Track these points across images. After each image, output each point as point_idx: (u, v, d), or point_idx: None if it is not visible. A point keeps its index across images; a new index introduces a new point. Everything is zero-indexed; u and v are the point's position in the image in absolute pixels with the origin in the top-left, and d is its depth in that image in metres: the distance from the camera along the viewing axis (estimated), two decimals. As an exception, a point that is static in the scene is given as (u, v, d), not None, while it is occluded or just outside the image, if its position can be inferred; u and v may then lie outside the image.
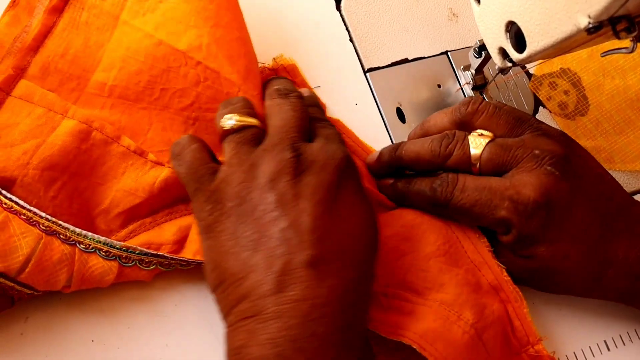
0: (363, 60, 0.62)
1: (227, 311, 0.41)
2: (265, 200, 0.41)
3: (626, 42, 0.43)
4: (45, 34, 0.50)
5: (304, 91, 0.54)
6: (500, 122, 0.51)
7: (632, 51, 0.44)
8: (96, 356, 0.48)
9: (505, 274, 0.51)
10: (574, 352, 0.54)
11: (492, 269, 0.51)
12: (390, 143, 0.59)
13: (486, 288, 0.51)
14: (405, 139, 0.59)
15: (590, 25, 0.39)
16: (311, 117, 0.49)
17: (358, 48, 0.62)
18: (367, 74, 0.61)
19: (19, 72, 0.49)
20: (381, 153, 0.55)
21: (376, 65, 0.62)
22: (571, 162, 0.49)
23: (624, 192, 0.52)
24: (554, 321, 0.54)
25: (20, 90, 0.49)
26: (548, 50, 0.44)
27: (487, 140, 0.50)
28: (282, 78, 0.54)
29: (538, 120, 0.52)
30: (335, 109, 0.58)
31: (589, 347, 0.54)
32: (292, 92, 0.49)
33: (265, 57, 0.58)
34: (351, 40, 0.62)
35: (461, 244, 0.52)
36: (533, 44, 0.45)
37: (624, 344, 0.55)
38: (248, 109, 0.47)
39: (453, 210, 0.50)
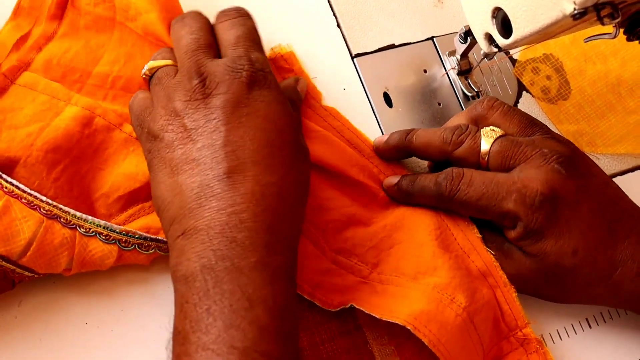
0: (350, 46, 0.62)
1: (166, 235, 0.44)
2: (183, 128, 0.44)
3: (609, 28, 0.44)
4: (47, 39, 0.52)
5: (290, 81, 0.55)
6: (514, 121, 0.53)
7: (614, 37, 0.45)
8: (90, 338, 0.48)
9: (494, 259, 0.52)
10: (557, 330, 0.55)
11: (482, 255, 0.52)
12: (378, 127, 0.60)
13: (475, 274, 0.51)
14: (393, 123, 0.60)
15: (576, 12, 0.40)
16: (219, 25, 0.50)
17: (345, 34, 0.62)
18: (355, 60, 0.62)
19: (23, 65, 0.51)
20: (391, 136, 0.55)
21: (363, 51, 0.62)
22: (577, 164, 0.51)
23: (628, 198, 0.53)
24: (535, 299, 0.55)
25: (24, 79, 0.50)
26: (534, 36, 0.45)
27: (498, 134, 0.51)
28: None
29: (548, 127, 0.54)
30: (324, 94, 0.59)
31: (572, 324, 0.56)
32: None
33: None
34: (338, 26, 0.63)
35: (451, 232, 0.53)
36: (519, 30, 0.46)
37: (604, 321, 0.56)
38: (163, 54, 0.50)
39: (459, 203, 0.51)
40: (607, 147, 0.63)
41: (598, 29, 0.46)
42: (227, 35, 0.48)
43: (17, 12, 0.53)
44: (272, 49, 0.58)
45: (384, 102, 0.61)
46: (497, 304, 0.51)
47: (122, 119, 0.51)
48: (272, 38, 0.59)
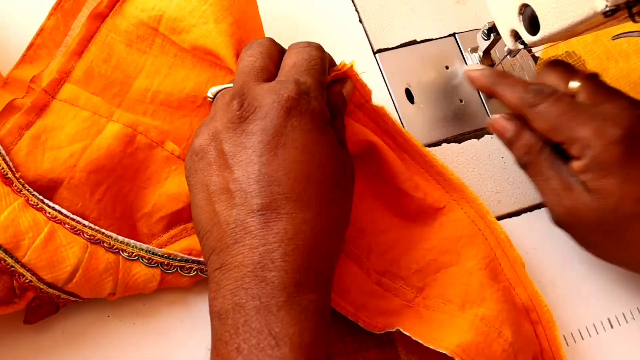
0: (372, 42, 0.62)
1: (206, 263, 0.43)
2: (220, 152, 0.43)
3: (638, 26, 0.44)
4: (89, 38, 0.51)
5: None
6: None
7: (645, 34, 0.45)
8: (112, 332, 0.48)
9: (540, 294, 0.51)
10: (579, 330, 0.55)
11: (527, 289, 0.52)
12: (399, 122, 0.59)
13: (519, 308, 0.51)
14: (414, 119, 0.59)
15: (607, 8, 0.39)
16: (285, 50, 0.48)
17: (367, 29, 0.62)
18: (377, 55, 0.62)
19: (64, 76, 0.50)
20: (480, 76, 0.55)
21: (385, 47, 0.62)
22: None
23: None
24: (560, 299, 0.55)
25: (65, 94, 0.49)
26: (561, 33, 0.45)
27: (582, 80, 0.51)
28: None
29: None
30: (345, 90, 0.59)
31: (593, 324, 0.55)
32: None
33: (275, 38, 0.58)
34: (360, 21, 0.63)
35: (498, 262, 0.52)
36: (547, 27, 0.46)
37: (626, 321, 0.56)
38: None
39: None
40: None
41: (623, 27, 0.46)
42: (287, 61, 0.46)
43: (60, 3, 0.53)
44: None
45: (406, 98, 0.61)
46: (537, 340, 0.51)
47: (163, 137, 0.50)
48: (294, 34, 0.59)
